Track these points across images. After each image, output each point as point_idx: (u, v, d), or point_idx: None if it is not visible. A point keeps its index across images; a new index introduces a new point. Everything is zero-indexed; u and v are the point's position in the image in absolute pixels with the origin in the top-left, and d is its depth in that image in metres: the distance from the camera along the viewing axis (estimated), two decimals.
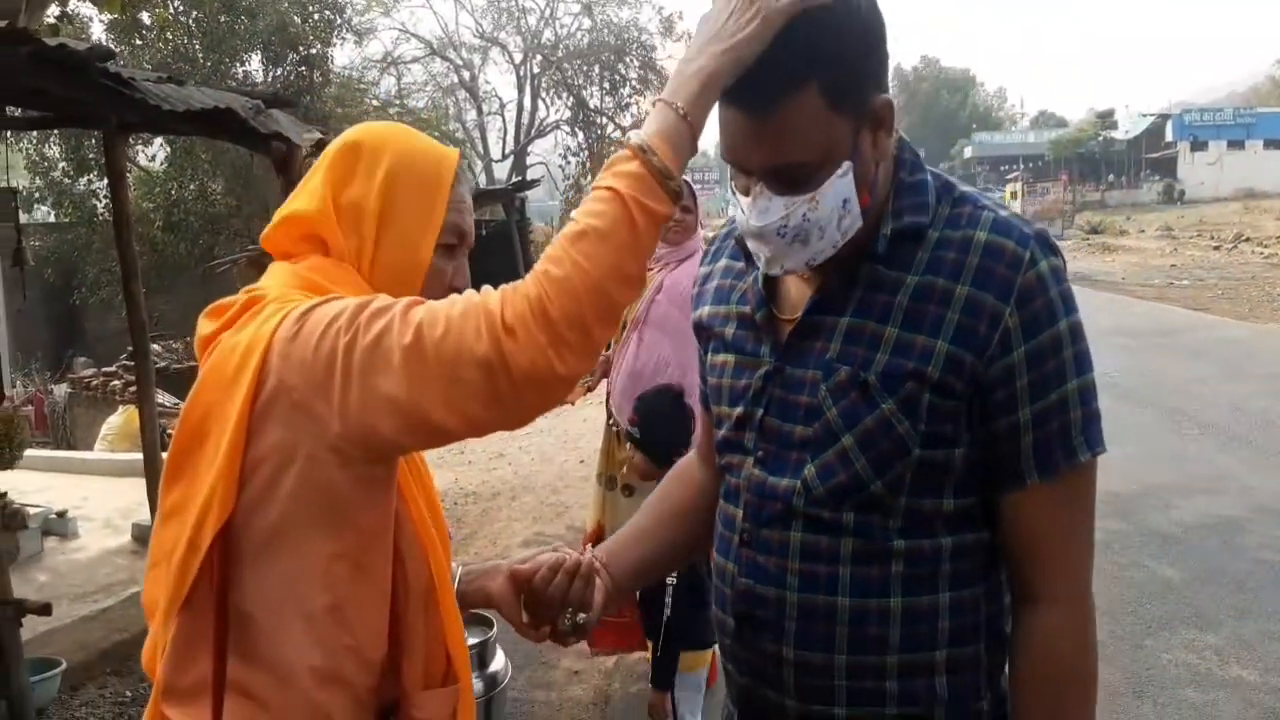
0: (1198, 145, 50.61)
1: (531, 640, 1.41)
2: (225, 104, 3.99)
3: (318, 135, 4.77)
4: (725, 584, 1.30)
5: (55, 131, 14.40)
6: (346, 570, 1.13)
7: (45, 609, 3.61)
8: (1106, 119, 58.38)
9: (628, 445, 3.27)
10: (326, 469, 1.09)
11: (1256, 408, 8.42)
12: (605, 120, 26.40)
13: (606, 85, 26.43)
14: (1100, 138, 55.97)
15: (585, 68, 26.66)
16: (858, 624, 1.19)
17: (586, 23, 27.13)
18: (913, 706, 1.20)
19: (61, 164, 16.02)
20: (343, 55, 29.82)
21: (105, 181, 11.13)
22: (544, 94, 28.33)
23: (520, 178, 22.84)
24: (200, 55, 15.86)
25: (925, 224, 1.20)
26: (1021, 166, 52.81)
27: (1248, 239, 27.33)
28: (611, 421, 3.68)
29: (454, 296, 1.09)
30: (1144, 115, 56.64)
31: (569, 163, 27.00)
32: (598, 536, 3.60)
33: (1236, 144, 50.12)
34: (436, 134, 21.30)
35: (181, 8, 15.51)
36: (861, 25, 1.12)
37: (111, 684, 4.18)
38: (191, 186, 16.06)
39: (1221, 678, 3.92)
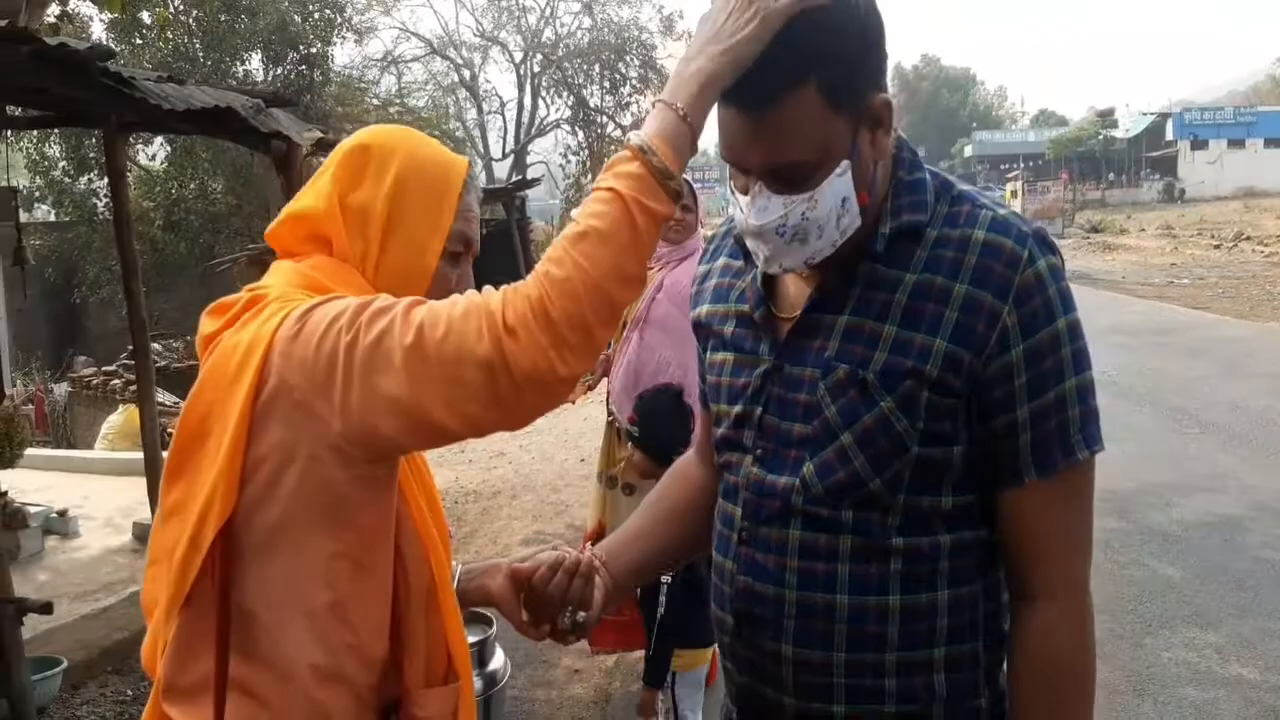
0: (1198, 144, 50.62)
1: (531, 639, 1.41)
2: (226, 103, 3.99)
3: (318, 134, 4.77)
4: (724, 582, 1.30)
5: (55, 131, 14.41)
6: (348, 569, 1.13)
7: (46, 608, 3.62)
8: (1107, 118, 58.36)
9: (628, 444, 3.27)
10: (327, 468, 1.09)
11: (1257, 406, 8.42)
12: (605, 119, 26.40)
13: (607, 84, 26.43)
14: (1100, 136, 55.93)
15: (585, 66, 26.65)
16: (856, 621, 1.19)
17: (587, 21, 27.17)
18: (911, 704, 1.21)
19: (62, 163, 16.05)
20: (343, 54, 29.80)
21: (105, 180, 11.14)
22: (544, 93, 28.35)
23: (520, 177, 22.84)
24: (200, 54, 15.87)
25: (924, 223, 1.20)
26: (1022, 165, 52.77)
27: (1248, 237, 27.34)
28: (613, 420, 3.68)
29: (455, 297, 1.09)
30: (1144, 114, 56.66)
31: (569, 161, 27.02)
32: (598, 535, 3.59)
33: (1237, 143, 50.13)
34: (437, 133, 21.35)
35: (182, 7, 15.53)
36: (860, 25, 1.12)
37: (112, 682, 4.18)
38: (192, 185, 16.08)
39: (1222, 676, 3.92)
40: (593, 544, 1.51)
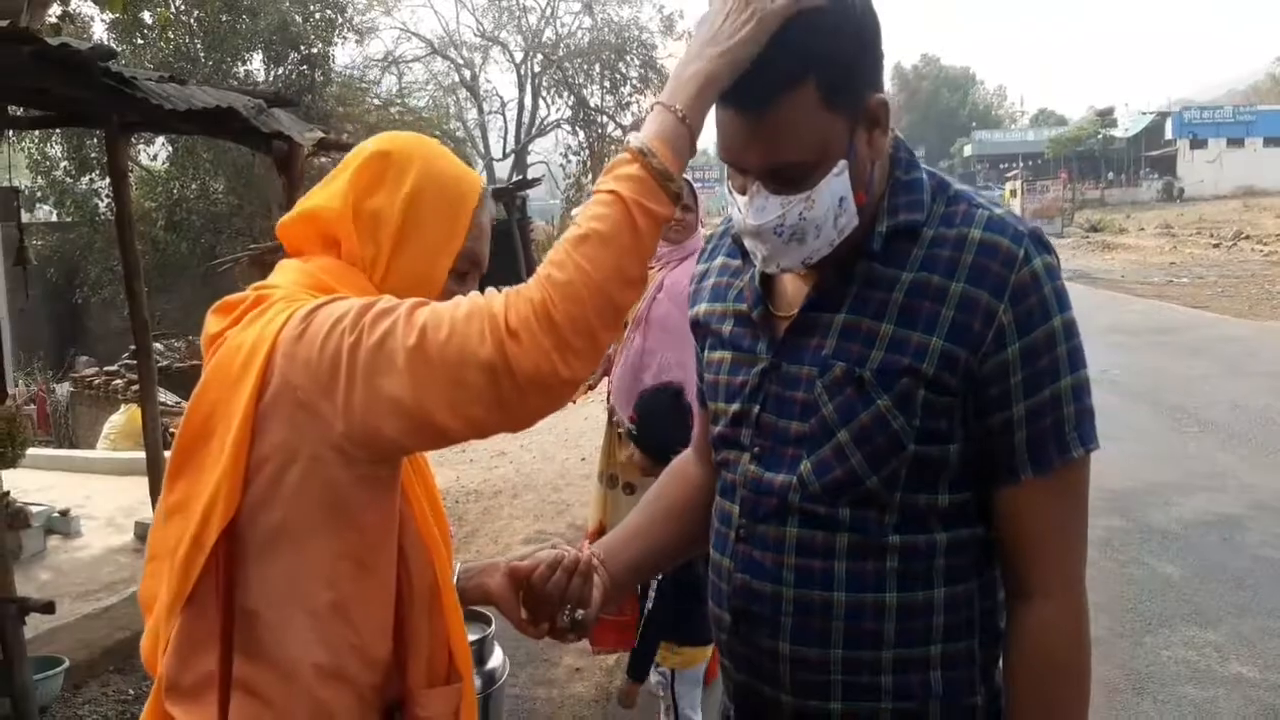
0: (1197, 143, 50.57)
1: (530, 637, 1.41)
2: (227, 103, 3.99)
3: (319, 134, 4.78)
4: (722, 580, 1.31)
5: (57, 131, 14.44)
6: (350, 569, 1.13)
7: (48, 607, 3.62)
8: (1106, 117, 58.38)
9: (629, 443, 3.28)
10: (330, 468, 1.09)
11: (1256, 405, 8.42)
12: (606, 119, 26.40)
13: (607, 84, 26.43)
14: (1100, 136, 55.91)
15: (586, 66, 26.66)
16: (853, 619, 1.20)
17: (587, 21, 27.17)
18: (908, 701, 1.21)
19: (63, 163, 16.07)
20: (344, 54, 29.72)
21: (107, 181, 11.14)
22: (545, 93, 28.35)
23: (521, 176, 22.82)
24: (202, 54, 15.89)
25: (920, 222, 1.21)
26: (1021, 164, 52.77)
27: (1247, 236, 27.34)
28: (615, 420, 3.68)
29: (458, 299, 1.09)
30: (1143, 113, 56.63)
31: (570, 161, 27.02)
32: (599, 534, 3.60)
33: (1236, 142, 50.08)
34: (437, 133, 21.36)
35: (183, 7, 15.54)
36: (856, 25, 1.13)
37: (114, 682, 4.19)
38: (193, 185, 16.10)
39: (1221, 675, 3.93)
40: (591, 543, 1.52)
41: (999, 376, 1.16)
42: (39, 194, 16.45)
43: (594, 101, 26.61)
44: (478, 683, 2.41)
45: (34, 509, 5.59)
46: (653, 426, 3.04)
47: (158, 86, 3.74)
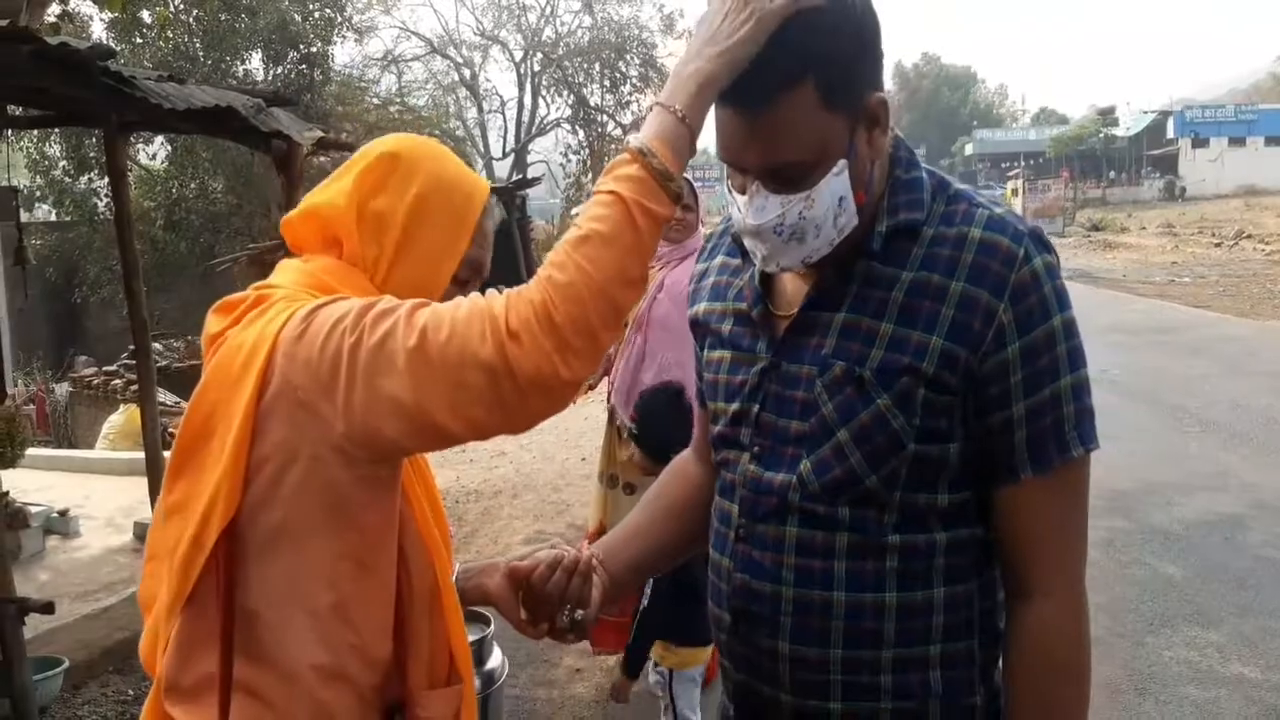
0: (1199, 142, 50.57)
1: (530, 637, 1.41)
2: (226, 102, 3.98)
3: (319, 133, 4.77)
4: (721, 579, 1.30)
5: (56, 130, 14.43)
6: (351, 569, 1.13)
7: (48, 607, 3.62)
8: (1108, 116, 58.38)
9: (630, 444, 3.28)
10: (330, 469, 1.09)
11: (1258, 405, 8.42)
12: (606, 118, 26.42)
13: (607, 83, 26.45)
14: (1101, 135, 55.92)
15: (586, 65, 26.67)
16: (853, 619, 1.20)
17: (587, 20, 27.19)
18: (907, 701, 1.21)
19: (62, 163, 16.07)
20: (343, 53, 29.84)
21: (106, 180, 11.14)
22: (544, 92, 28.37)
23: (521, 176, 22.83)
24: (201, 53, 15.89)
25: (920, 221, 1.21)
26: (1023, 163, 52.73)
27: (1249, 236, 27.33)
28: (614, 419, 3.68)
29: (459, 299, 1.09)
30: (1145, 112, 56.63)
31: (570, 160, 27.04)
32: (599, 535, 3.59)
33: (1238, 141, 50.08)
34: (436, 132, 21.38)
35: (182, 6, 15.53)
36: (855, 24, 1.12)
37: (114, 682, 4.19)
38: (192, 185, 16.10)
39: (1223, 675, 3.92)
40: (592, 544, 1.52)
41: (999, 376, 1.16)
42: (38, 193, 16.44)
43: (594, 100, 26.63)
44: (476, 684, 2.42)
45: (33, 509, 5.59)
46: (653, 426, 3.05)
47: (157, 86, 3.74)
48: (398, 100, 24.69)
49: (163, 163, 17.10)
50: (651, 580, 2.95)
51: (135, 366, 5.59)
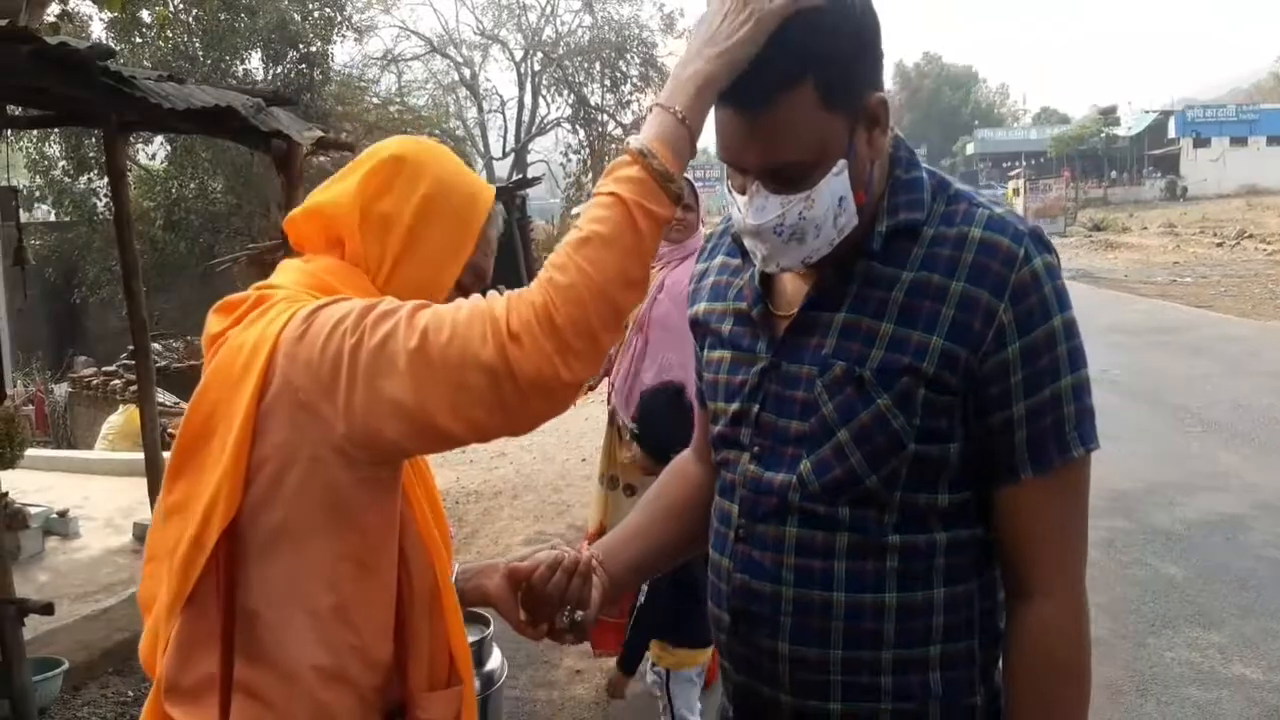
0: (1200, 142, 50.56)
1: (529, 638, 1.41)
2: (226, 102, 3.98)
3: (318, 133, 4.77)
4: (721, 580, 1.30)
5: (55, 130, 14.43)
6: (351, 570, 1.13)
7: (47, 608, 3.62)
8: (1109, 115, 58.37)
9: (630, 445, 3.27)
10: (331, 470, 1.09)
11: (1259, 405, 8.41)
12: (606, 117, 26.42)
13: (607, 82, 26.45)
14: (1103, 134, 55.91)
15: (586, 65, 26.67)
16: (853, 619, 1.20)
17: (587, 19, 27.19)
18: (907, 701, 1.21)
19: (62, 163, 16.07)
20: (343, 53, 29.77)
21: (105, 180, 11.16)
22: (545, 91, 28.38)
23: (521, 175, 22.82)
24: (200, 53, 15.90)
25: (920, 221, 1.20)
26: (1024, 163, 52.80)
27: (1250, 236, 27.33)
28: (618, 421, 3.67)
29: (460, 301, 1.09)
30: (1147, 112, 56.61)
31: (570, 160, 27.03)
32: (599, 536, 3.56)
33: (1239, 140, 50.05)
34: (436, 132, 21.37)
35: (181, 6, 15.53)
36: (855, 25, 1.12)
37: (114, 683, 4.19)
38: (192, 185, 16.10)
39: (1225, 676, 3.92)
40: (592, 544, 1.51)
41: (999, 376, 1.15)
42: (37, 193, 16.45)
43: (594, 100, 26.63)
44: (476, 685, 2.41)
45: (32, 510, 5.58)
46: (653, 426, 3.05)
47: (156, 85, 3.73)
48: (398, 100, 24.70)
49: (162, 163, 17.11)
50: (649, 581, 2.95)
51: (134, 367, 5.58)
